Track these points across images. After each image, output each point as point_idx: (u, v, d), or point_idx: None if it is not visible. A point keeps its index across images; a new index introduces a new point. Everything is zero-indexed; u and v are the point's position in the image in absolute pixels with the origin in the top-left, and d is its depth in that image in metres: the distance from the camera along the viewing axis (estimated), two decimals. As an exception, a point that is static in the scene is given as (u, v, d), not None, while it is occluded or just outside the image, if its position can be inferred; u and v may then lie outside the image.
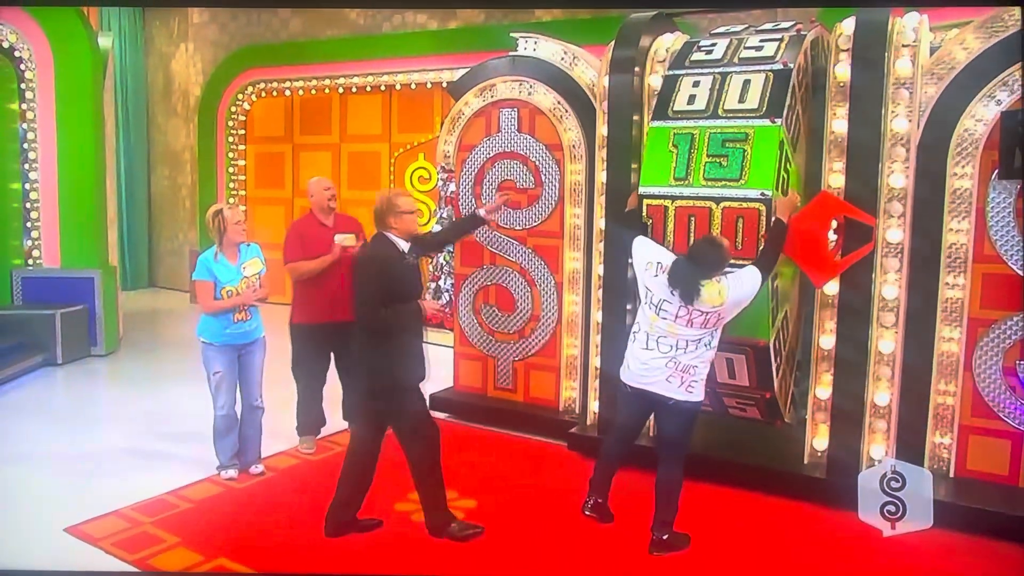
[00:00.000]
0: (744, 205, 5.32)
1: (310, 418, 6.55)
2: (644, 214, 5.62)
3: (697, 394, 4.85)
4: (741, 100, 5.49)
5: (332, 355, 6.44)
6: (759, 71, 5.53)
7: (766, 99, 5.41)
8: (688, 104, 5.67)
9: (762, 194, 5.25)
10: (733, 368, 5.66)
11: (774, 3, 8.74)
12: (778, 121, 5.32)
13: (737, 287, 4.74)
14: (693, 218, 5.48)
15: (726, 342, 5.43)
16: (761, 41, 5.70)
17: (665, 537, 4.93)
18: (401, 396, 4.88)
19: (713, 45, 5.87)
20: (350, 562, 4.70)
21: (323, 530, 4.99)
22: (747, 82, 5.53)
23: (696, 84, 5.71)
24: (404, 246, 4.90)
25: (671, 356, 4.80)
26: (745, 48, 5.71)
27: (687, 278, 4.71)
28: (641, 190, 5.67)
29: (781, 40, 5.62)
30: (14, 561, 4.63)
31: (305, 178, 6.69)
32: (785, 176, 5.42)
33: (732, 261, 4.98)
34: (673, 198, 5.54)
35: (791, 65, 5.44)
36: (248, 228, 6.00)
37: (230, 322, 5.72)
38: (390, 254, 4.85)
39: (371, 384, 4.88)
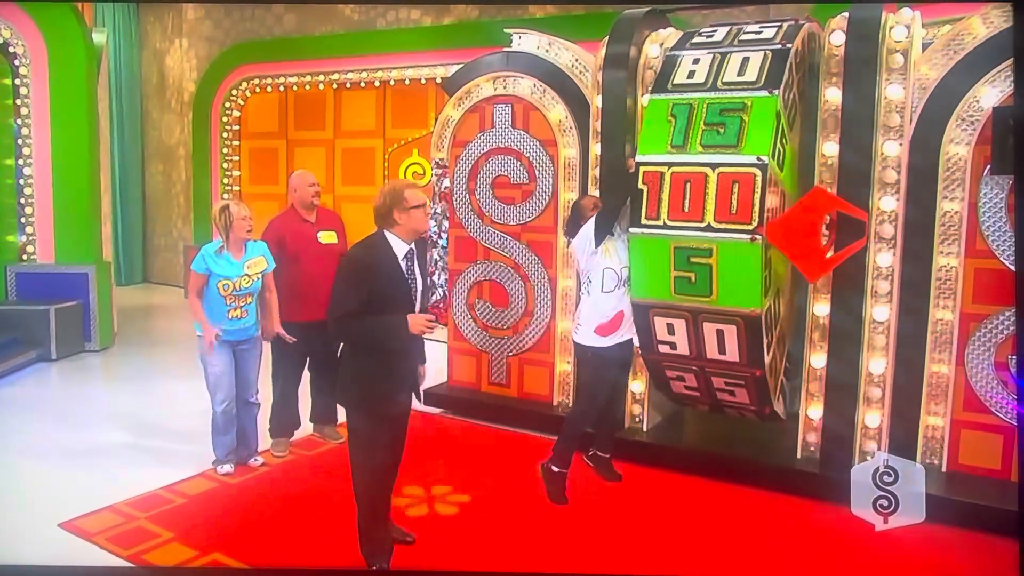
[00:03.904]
0: (740, 170, 5.35)
1: (285, 420, 6.47)
2: (640, 181, 5.63)
3: (578, 336, 5.67)
4: (740, 74, 5.56)
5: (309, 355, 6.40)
6: (758, 50, 5.61)
7: (764, 72, 5.48)
8: (688, 79, 5.73)
9: (758, 159, 5.28)
10: (723, 341, 5.61)
11: (768, -1, 8.77)
12: (776, 92, 5.36)
13: (577, 237, 5.67)
14: (689, 183, 5.49)
15: (716, 312, 5.48)
16: (761, 27, 5.81)
17: (554, 468, 5.57)
18: (358, 419, 4.43)
19: (714, 31, 5.97)
20: (343, 557, 4.71)
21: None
22: (746, 59, 5.60)
23: (696, 61, 5.79)
24: (403, 249, 4.31)
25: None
26: (745, 32, 5.81)
27: (572, 225, 5.82)
28: (638, 158, 5.68)
29: (780, 27, 5.71)
30: (8, 556, 4.62)
31: (299, 174, 6.72)
32: (781, 150, 5.46)
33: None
34: (670, 165, 5.56)
35: (789, 45, 5.51)
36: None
37: (225, 318, 5.72)
38: (376, 255, 4.28)
39: (339, 396, 4.52)
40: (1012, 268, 5.16)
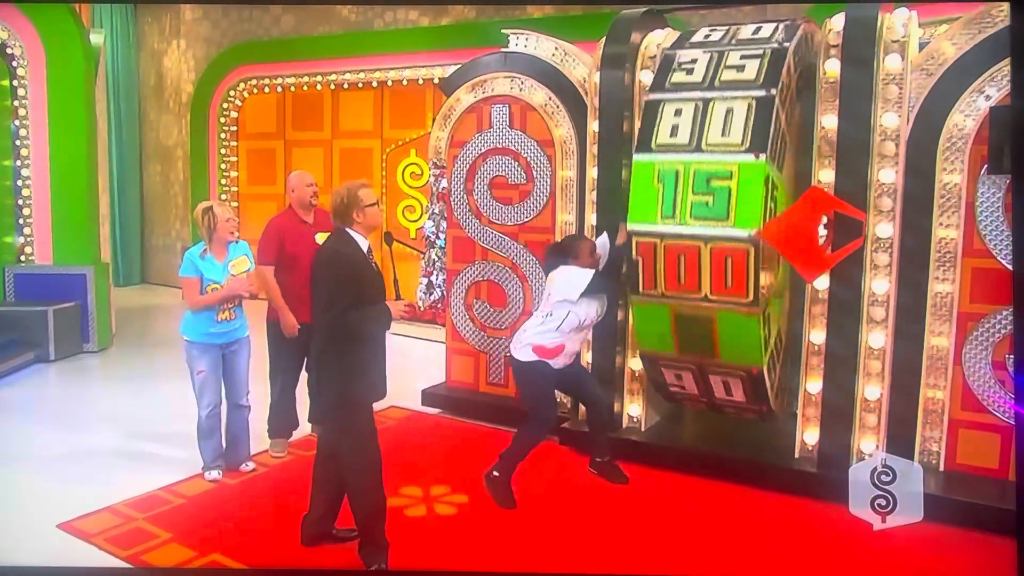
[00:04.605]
0: (732, 244, 5.35)
1: (283, 420, 6.45)
2: (634, 252, 5.64)
3: (518, 353, 5.58)
4: (724, 133, 5.46)
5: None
6: (742, 97, 5.49)
7: (749, 132, 5.39)
8: (671, 136, 5.62)
9: (750, 236, 5.29)
10: (730, 388, 5.84)
11: (765, -1, 8.77)
12: (762, 156, 5.32)
13: (562, 274, 5.52)
14: (683, 257, 5.49)
15: (720, 366, 5.66)
16: (743, 58, 5.64)
17: (496, 474, 5.48)
18: (352, 414, 4.57)
19: (693, 62, 5.79)
20: (343, 558, 4.71)
21: (299, 540, 4.89)
22: (729, 111, 5.49)
23: (678, 113, 5.66)
24: (365, 244, 4.59)
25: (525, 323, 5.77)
26: (726, 68, 5.65)
27: (554, 256, 5.73)
28: (630, 227, 5.66)
29: (763, 56, 5.56)
30: (7, 557, 4.63)
31: (297, 175, 6.72)
32: (772, 206, 5.47)
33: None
34: (662, 236, 5.54)
35: (774, 91, 5.40)
36: (240, 224, 5.92)
37: (213, 321, 5.70)
38: (354, 251, 4.53)
39: (327, 396, 4.60)
40: (1009, 268, 5.16)
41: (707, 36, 5.97)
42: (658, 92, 5.82)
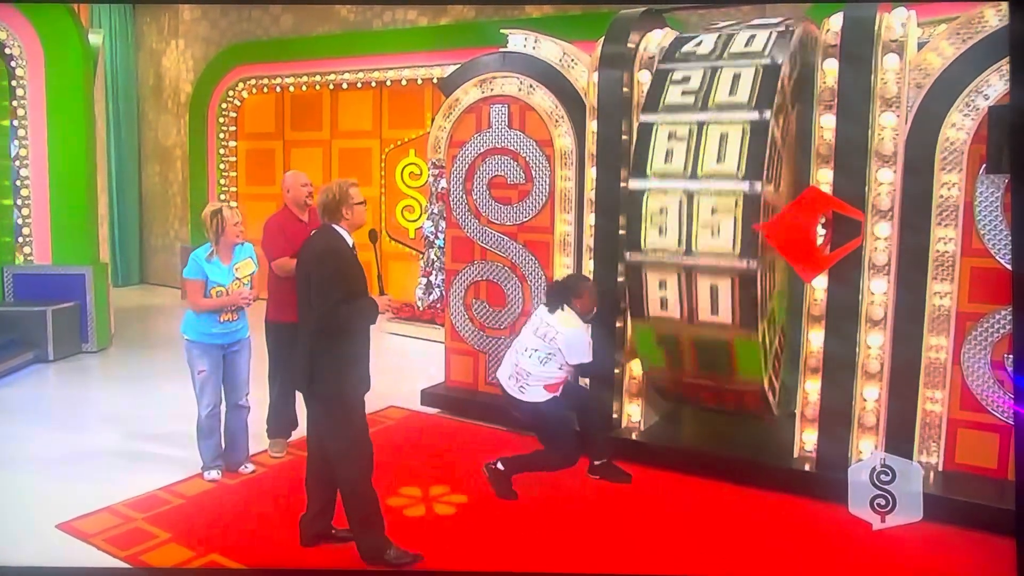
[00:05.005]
0: (742, 388, 5.83)
1: (282, 421, 6.42)
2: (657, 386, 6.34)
3: (527, 395, 5.59)
4: (713, 311, 5.54)
5: None
6: (724, 271, 5.44)
7: (737, 311, 5.47)
8: (661, 309, 5.71)
9: (757, 385, 5.63)
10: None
11: (763, -1, 8.75)
12: (755, 336, 5.44)
13: (570, 337, 5.51)
14: (700, 391, 6.09)
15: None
16: (717, 194, 5.46)
17: (500, 467, 5.62)
18: (347, 411, 4.60)
19: (665, 223, 5.62)
20: (343, 558, 4.71)
21: (298, 540, 4.89)
22: (714, 288, 5.50)
23: (663, 286, 5.68)
24: (351, 240, 4.65)
25: (514, 361, 5.67)
26: (700, 250, 5.52)
27: (557, 292, 5.73)
28: (643, 366, 6.25)
29: (735, 204, 5.42)
30: (7, 557, 4.62)
31: (296, 175, 6.71)
32: (772, 362, 5.90)
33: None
34: (672, 371, 6.04)
35: (754, 265, 5.34)
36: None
37: (216, 322, 5.70)
38: (344, 247, 4.61)
39: (322, 391, 4.58)
40: (1008, 267, 5.16)
41: (678, 127, 5.71)
42: (635, 253, 5.74)
